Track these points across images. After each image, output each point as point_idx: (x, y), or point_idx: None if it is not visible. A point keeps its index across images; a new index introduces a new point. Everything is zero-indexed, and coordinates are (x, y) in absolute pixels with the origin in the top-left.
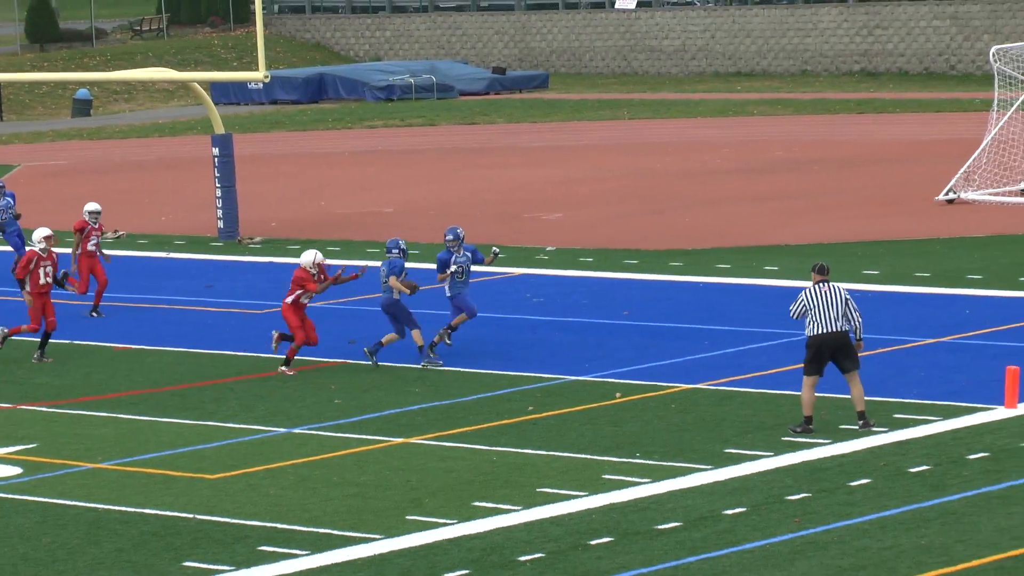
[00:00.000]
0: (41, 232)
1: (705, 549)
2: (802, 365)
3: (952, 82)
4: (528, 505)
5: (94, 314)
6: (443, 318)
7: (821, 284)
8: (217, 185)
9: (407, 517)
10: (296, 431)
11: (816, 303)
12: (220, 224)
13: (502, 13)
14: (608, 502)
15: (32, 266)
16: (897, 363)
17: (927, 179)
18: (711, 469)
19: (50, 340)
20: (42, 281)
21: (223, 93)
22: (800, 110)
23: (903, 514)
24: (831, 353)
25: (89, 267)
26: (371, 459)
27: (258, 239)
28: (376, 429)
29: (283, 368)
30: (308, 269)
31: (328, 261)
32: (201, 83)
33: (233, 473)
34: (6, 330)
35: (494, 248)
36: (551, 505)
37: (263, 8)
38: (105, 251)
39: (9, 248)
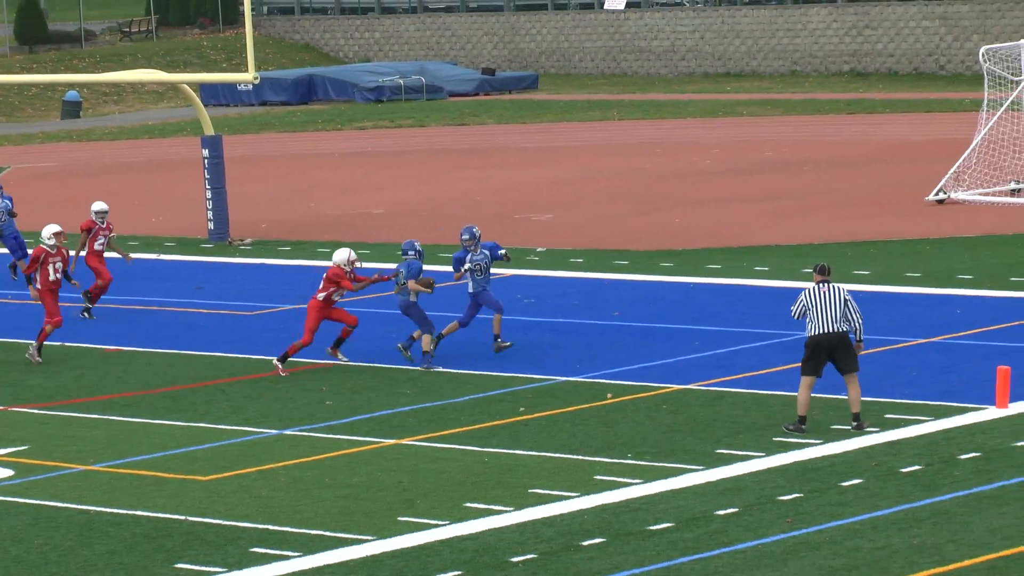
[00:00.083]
0: (50, 229)
1: (697, 550)
2: (795, 365)
3: (941, 82)
4: (520, 506)
5: (85, 315)
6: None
7: (822, 284)
8: (207, 187)
9: (399, 518)
10: (288, 432)
11: (815, 303)
12: (210, 226)
13: (491, 14)
14: (600, 503)
15: (41, 262)
16: (888, 363)
17: (917, 179)
18: (703, 470)
19: (46, 341)
20: (52, 277)
21: (212, 95)
22: (790, 110)
23: (895, 514)
24: (829, 354)
25: (96, 266)
26: (363, 460)
27: (248, 240)
28: (368, 430)
29: (277, 364)
30: (343, 267)
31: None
32: (190, 84)
33: (225, 475)
34: (36, 358)
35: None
36: (543, 506)
37: (252, 9)
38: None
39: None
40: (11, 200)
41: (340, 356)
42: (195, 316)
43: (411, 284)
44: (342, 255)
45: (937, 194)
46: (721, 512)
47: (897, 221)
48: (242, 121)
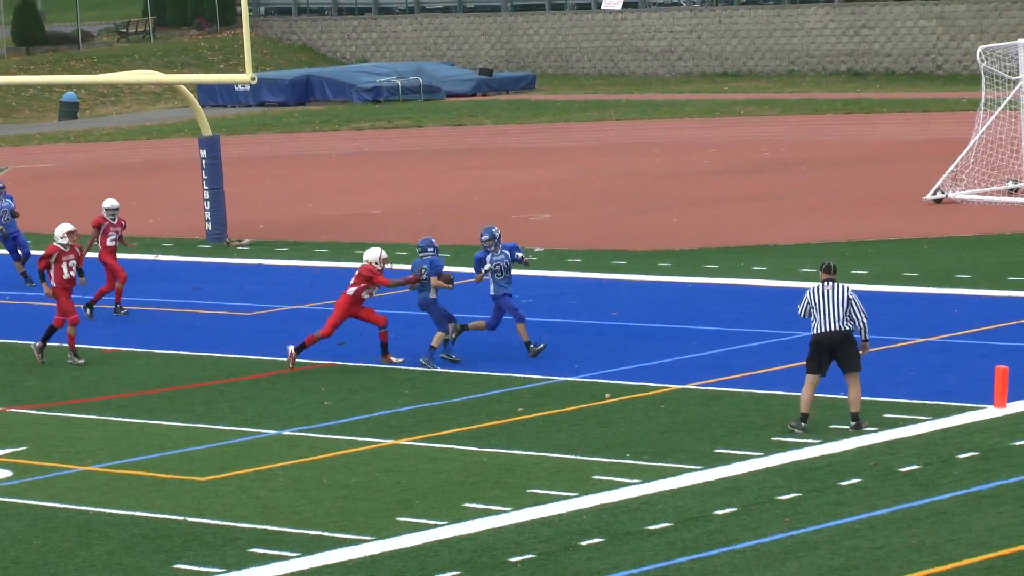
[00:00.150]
0: (63, 227)
1: (696, 549)
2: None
3: (939, 82)
4: (518, 506)
5: (88, 310)
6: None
7: (827, 283)
8: (205, 187)
9: (397, 518)
10: (286, 433)
11: (819, 302)
12: (208, 226)
13: (488, 14)
14: (598, 503)
15: (54, 260)
16: (886, 363)
17: (915, 179)
18: (701, 469)
19: (48, 343)
20: (66, 276)
21: (210, 95)
22: (787, 110)
23: (893, 514)
24: (831, 353)
25: (111, 263)
26: (361, 461)
27: (246, 241)
28: (366, 431)
29: (293, 353)
30: (375, 265)
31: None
32: (188, 85)
33: (223, 475)
34: (77, 360)
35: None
36: (541, 506)
37: (249, 10)
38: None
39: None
40: (13, 200)
41: (393, 359)
42: (193, 317)
43: (433, 280)
44: (374, 254)
45: (935, 194)
46: (719, 512)
47: (895, 221)
48: (239, 122)
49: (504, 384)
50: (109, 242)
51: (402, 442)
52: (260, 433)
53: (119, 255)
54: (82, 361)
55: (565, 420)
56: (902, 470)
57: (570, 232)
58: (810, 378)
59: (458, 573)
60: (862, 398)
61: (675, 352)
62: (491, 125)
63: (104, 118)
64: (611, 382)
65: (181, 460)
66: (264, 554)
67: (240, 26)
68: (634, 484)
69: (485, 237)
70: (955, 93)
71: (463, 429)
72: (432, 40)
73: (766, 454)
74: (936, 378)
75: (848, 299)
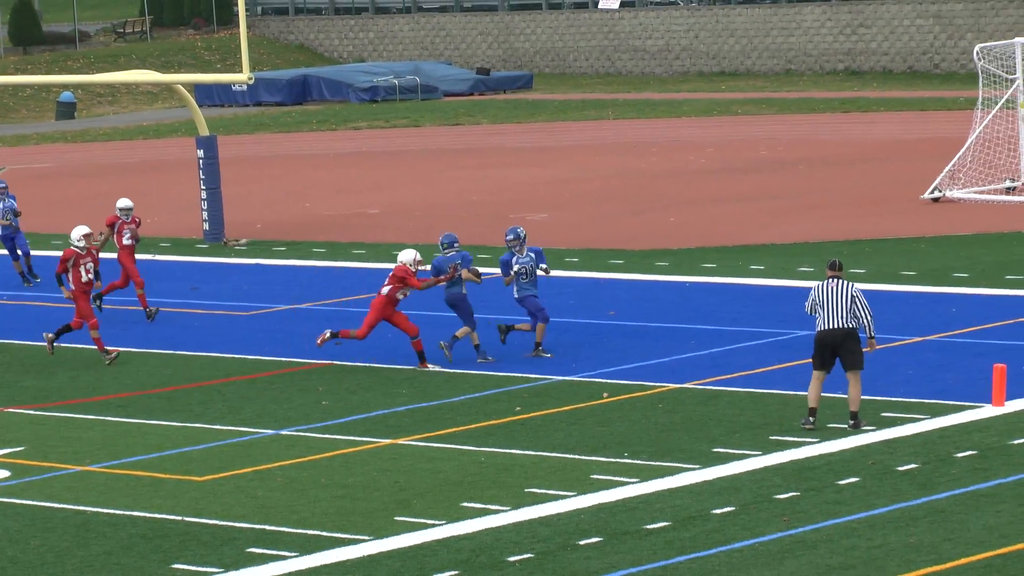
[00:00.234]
0: (80, 230)
1: (694, 549)
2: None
3: (936, 81)
4: (516, 505)
5: (95, 300)
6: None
7: (831, 280)
8: (202, 187)
9: (395, 518)
10: (284, 433)
11: (823, 299)
12: (205, 226)
13: (485, 14)
14: (596, 502)
15: (72, 264)
16: (884, 362)
17: (912, 178)
18: (699, 468)
19: (57, 342)
20: (84, 279)
21: (207, 95)
22: (784, 109)
23: (891, 513)
24: (833, 350)
25: (129, 265)
26: (359, 460)
27: (243, 241)
28: (364, 430)
29: (328, 333)
30: (409, 266)
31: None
32: (185, 85)
33: (221, 475)
34: (109, 355)
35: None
36: (539, 505)
37: (246, 10)
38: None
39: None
40: (15, 199)
41: (429, 366)
42: (190, 317)
43: (464, 273)
44: (408, 255)
45: (932, 192)
46: (717, 511)
47: (892, 220)
48: (237, 122)
49: (502, 384)
50: (125, 241)
51: (400, 442)
52: (258, 433)
53: (138, 255)
54: (114, 355)
55: (563, 420)
56: (900, 469)
57: (567, 231)
58: (816, 374)
59: (456, 573)
60: (861, 397)
61: (673, 351)
62: (488, 125)
63: (101, 118)
64: (609, 381)
65: (179, 460)
66: (262, 554)
67: (237, 26)
68: (632, 483)
69: (510, 237)
70: (952, 92)
71: (461, 429)
72: (429, 40)
73: (764, 453)
74: (934, 377)
75: (852, 296)
